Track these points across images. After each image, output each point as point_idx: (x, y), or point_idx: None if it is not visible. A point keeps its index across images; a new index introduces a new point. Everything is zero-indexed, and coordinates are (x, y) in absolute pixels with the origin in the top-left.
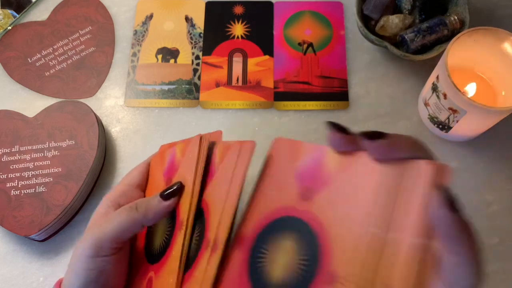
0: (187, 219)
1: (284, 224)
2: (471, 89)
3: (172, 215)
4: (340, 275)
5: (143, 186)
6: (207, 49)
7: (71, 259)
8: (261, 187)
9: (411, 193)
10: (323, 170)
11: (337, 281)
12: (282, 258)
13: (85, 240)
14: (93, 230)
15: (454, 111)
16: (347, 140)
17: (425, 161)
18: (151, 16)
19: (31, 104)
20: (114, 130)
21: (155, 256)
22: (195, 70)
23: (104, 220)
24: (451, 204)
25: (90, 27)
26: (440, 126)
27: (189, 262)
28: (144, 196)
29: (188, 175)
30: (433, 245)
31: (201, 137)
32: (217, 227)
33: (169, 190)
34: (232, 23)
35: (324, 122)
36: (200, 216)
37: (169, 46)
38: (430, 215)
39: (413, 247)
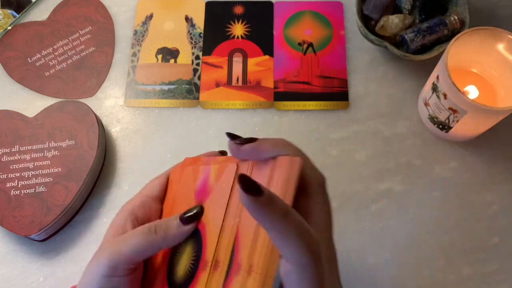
0: (212, 261)
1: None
2: (472, 91)
3: (198, 245)
4: (207, 260)
5: (162, 198)
6: (207, 49)
7: (84, 274)
8: (168, 209)
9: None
10: (207, 184)
11: (207, 266)
12: (183, 259)
13: (101, 257)
14: (110, 247)
15: (454, 111)
16: (235, 148)
17: (280, 158)
18: (151, 16)
19: (31, 104)
20: (114, 130)
21: (178, 285)
22: (195, 70)
23: (122, 239)
24: (250, 188)
25: (90, 27)
26: (440, 126)
27: (185, 284)
28: (161, 209)
29: (218, 208)
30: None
31: (237, 166)
32: (217, 247)
33: (190, 214)
34: (232, 23)
35: (325, 122)
36: (195, 235)
37: (169, 46)
38: (241, 201)
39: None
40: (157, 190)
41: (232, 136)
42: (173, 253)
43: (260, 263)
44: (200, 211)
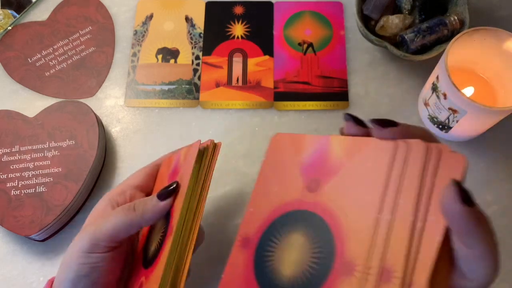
0: (180, 227)
1: (291, 219)
2: (472, 92)
3: (166, 218)
4: (356, 264)
5: (144, 187)
6: (207, 49)
7: (65, 255)
8: (261, 185)
9: (413, 176)
10: (329, 159)
11: (355, 270)
12: (293, 254)
13: (82, 236)
14: (90, 227)
15: (454, 111)
16: (363, 133)
17: (432, 144)
18: (151, 16)
19: (31, 104)
20: (114, 130)
21: (149, 260)
22: (195, 70)
23: (102, 218)
24: (465, 197)
25: (90, 27)
26: (440, 126)
27: (150, 260)
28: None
29: (185, 180)
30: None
31: (200, 145)
32: (176, 215)
33: (165, 191)
34: (232, 23)
35: (325, 122)
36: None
37: (169, 46)
38: (444, 210)
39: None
40: (140, 180)
41: (355, 120)
42: (148, 234)
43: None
44: (176, 187)
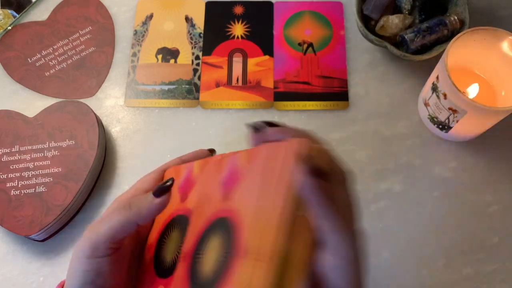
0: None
1: (212, 228)
2: (473, 90)
3: (185, 232)
4: (250, 249)
5: None
6: (207, 49)
7: (70, 261)
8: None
9: (280, 170)
10: (236, 170)
11: (249, 254)
12: (213, 255)
13: (82, 241)
14: (90, 231)
15: (454, 111)
16: (259, 137)
17: (289, 140)
18: (151, 16)
19: (31, 104)
20: (114, 130)
21: (166, 270)
22: (195, 70)
23: (100, 221)
24: (314, 171)
25: (90, 27)
26: (440, 126)
27: (168, 270)
28: None
29: (205, 195)
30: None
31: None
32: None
33: (161, 187)
34: (232, 23)
35: (325, 122)
36: (182, 223)
37: (169, 46)
38: (298, 185)
39: (283, 217)
40: (149, 184)
41: (255, 127)
42: (160, 242)
43: (273, 247)
44: (171, 184)
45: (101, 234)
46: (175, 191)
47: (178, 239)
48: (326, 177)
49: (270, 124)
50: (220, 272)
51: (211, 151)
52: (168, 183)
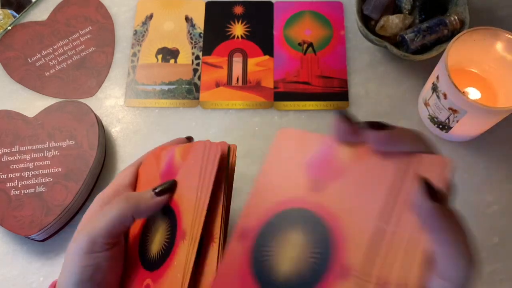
0: (194, 231)
1: (292, 216)
2: (472, 92)
3: (172, 223)
4: (354, 268)
5: (134, 186)
6: (207, 49)
7: (65, 259)
8: (264, 178)
9: (411, 188)
10: (335, 162)
11: (351, 275)
12: (291, 252)
13: (79, 237)
14: (86, 227)
15: (454, 111)
16: (351, 130)
17: (427, 156)
18: (151, 16)
19: (31, 104)
20: (114, 130)
21: (153, 263)
22: (195, 70)
23: (97, 217)
24: (433, 194)
25: (90, 27)
26: (440, 126)
27: (164, 257)
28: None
29: (192, 182)
30: (425, 238)
31: (205, 146)
32: (192, 221)
33: (163, 187)
34: (232, 23)
35: (324, 122)
36: (167, 213)
37: (169, 46)
38: (415, 208)
39: (412, 241)
40: (129, 179)
41: (345, 117)
42: (144, 234)
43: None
44: (174, 184)
45: (98, 229)
46: (156, 178)
47: (163, 229)
48: (444, 199)
49: (375, 125)
50: (308, 281)
51: (189, 139)
52: (170, 184)
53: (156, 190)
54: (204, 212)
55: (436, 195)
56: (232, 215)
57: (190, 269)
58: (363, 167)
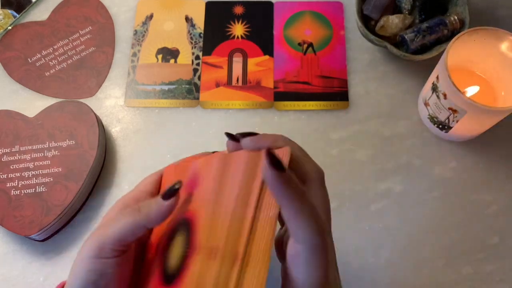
0: (218, 247)
1: (178, 228)
2: (472, 91)
3: (187, 234)
4: (200, 244)
5: (156, 194)
6: (207, 49)
7: (75, 261)
8: None
9: (254, 176)
10: (195, 174)
11: (200, 249)
12: (177, 250)
13: (89, 241)
14: (97, 232)
15: (454, 111)
16: (234, 146)
17: (263, 150)
18: (151, 16)
19: (31, 104)
20: (114, 130)
21: (170, 276)
22: (195, 70)
23: (108, 223)
24: (275, 163)
25: (90, 27)
26: (440, 126)
27: (179, 271)
28: None
29: (209, 195)
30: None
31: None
32: (212, 233)
33: (169, 190)
34: (232, 23)
35: (324, 122)
36: (185, 225)
37: (169, 46)
38: (264, 177)
39: (255, 219)
40: (151, 186)
41: (230, 135)
42: (167, 245)
43: (255, 251)
44: (179, 186)
45: (108, 235)
46: (182, 192)
47: (183, 244)
48: (283, 167)
49: (247, 135)
50: (181, 266)
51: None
52: (176, 186)
53: (164, 194)
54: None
55: (279, 165)
56: None
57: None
58: (209, 170)
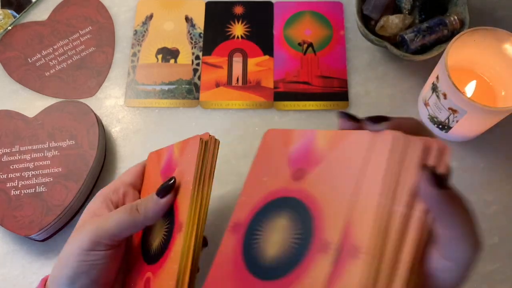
0: (190, 222)
1: (277, 205)
2: (470, 87)
3: (168, 214)
4: (333, 242)
5: (137, 185)
6: (207, 49)
7: (62, 253)
8: (252, 176)
9: (401, 165)
10: (314, 151)
11: (331, 248)
12: (276, 236)
13: (81, 234)
14: (91, 225)
15: (454, 111)
16: (356, 128)
17: (413, 137)
18: (151, 16)
19: (31, 104)
20: (114, 130)
21: (153, 256)
22: (195, 70)
23: (105, 217)
24: (438, 180)
25: (90, 27)
26: (440, 126)
27: (163, 250)
28: (139, 195)
29: (187, 175)
30: (423, 216)
31: (200, 138)
32: (189, 213)
33: (163, 187)
34: (232, 23)
35: (324, 122)
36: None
37: (169, 46)
38: (421, 193)
39: (401, 215)
40: (131, 177)
41: (347, 115)
42: (146, 228)
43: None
44: (173, 183)
45: (105, 230)
46: (157, 176)
47: (161, 223)
48: (448, 183)
49: (378, 119)
50: (292, 261)
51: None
52: (170, 183)
53: (159, 192)
54: (199, 202)
55: (441, 181)
56: (228, 212)
57: (190, 260)
58: (339, 151)
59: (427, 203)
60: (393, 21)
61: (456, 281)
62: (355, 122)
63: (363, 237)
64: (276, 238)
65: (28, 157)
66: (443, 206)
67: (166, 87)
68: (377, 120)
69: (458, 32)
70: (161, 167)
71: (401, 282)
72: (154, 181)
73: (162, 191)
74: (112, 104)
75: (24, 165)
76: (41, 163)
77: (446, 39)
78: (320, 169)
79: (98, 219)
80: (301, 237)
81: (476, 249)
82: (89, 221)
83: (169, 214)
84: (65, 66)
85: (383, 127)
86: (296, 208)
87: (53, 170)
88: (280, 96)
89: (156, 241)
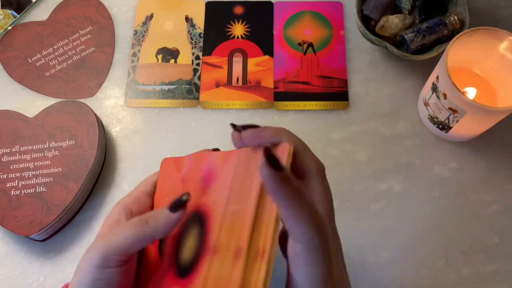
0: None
1: (192, 219)
2: (472, 92)
3: (202, 230)
4: (217, 244)
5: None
6: (207, 49)
7: (78, 267)
8: (157, 200)
9: (246, 170)
10: (213, 168)
11: (217, 250)
12: (190, 242)
13: (93, 249)
14: (103, 239)
15: (454, 111)
16: (238, 136)
17: (266, 145)
18: (151, 16)
19: (31, 104)
20: (114, 130)
21: (183, 269)
22: (195, 70)
23: (114, 231)
24: (274, 162)
25: (90, 27)
26: (440, 126)
27: (186, 268)
28: (153, 203)
29: (223, 192)
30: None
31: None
32: (222, 231)
33: (176, 204)
34: (232, 23)
35: (324, 122)
36: (198, 220)
37: (169, 46)
38: (261, 176)
39: (253, 213)
40: (151, 187)
41: (234, 126)
42: (180, 237)
43: (267, 246)
44: (187, 198)
45: (114, 245)
46: (176, 182)
47: (196, 236)
48: (281, 166)
49: (248, 127)
50: (193, 263)
51: (214, 151)
52: (184, 198)
53: (172, 207)
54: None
55: (276, 163)
56: None
57: None
58: (227, 167)
59: (266, 184)
60: (393, 21)
61: (310, 267)
62: (237, 131)
63: (219, 236)
64: (190, 244)
65: (28, 157)
66: (278, 185)
67: (166, 87)
68: (244, 127)
69: (458, 32)
70: (182, 176)
71: (263, 272)
72: (173, 187)
73: (175, 207)
74: (112, 104)
75: (24, 165)
76: (41, 163)
77: (446, 39)
78: (216, 183)
79: (109, 233)
80: (199, 243)
81: (314, 229)
82: (102, 235)
83: (201, 226)
84: (65, 66)
85: (249, 133)
86: (197, 219)
87: (53, 170)
88: (280, 96)
89: (187, 253)
